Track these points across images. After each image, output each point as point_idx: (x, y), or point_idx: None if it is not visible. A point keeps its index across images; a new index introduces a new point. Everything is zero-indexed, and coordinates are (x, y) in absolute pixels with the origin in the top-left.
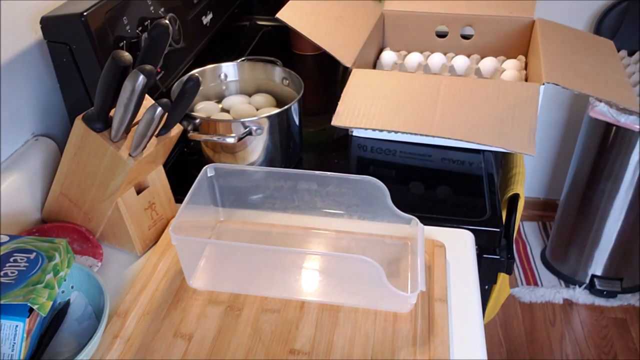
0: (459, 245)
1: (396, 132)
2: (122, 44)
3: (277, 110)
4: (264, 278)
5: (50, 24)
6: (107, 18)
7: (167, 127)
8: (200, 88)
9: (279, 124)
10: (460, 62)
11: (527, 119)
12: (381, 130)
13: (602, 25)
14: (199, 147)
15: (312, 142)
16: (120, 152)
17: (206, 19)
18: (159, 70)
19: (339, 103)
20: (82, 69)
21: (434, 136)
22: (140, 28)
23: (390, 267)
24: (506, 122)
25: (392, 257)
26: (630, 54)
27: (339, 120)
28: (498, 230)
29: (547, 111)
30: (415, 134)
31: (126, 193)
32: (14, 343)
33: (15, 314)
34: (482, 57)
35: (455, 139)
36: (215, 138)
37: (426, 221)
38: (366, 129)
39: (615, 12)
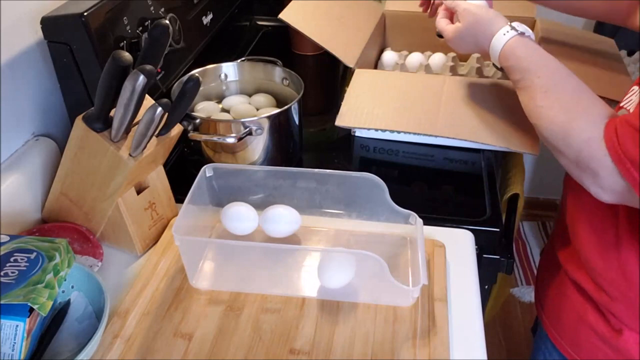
0: (459, 245)
1: (400, 132)
2: (122, 44)
3: (277, 110)
4: (266, 276)
5: (50, 24)
6: (107, 18)
7: (167, 127)
8: (201, 88)
9: (279, 124)
10: (461, 61)
11: None
12: (384, 131)
13: (603, 25)
14: (199, 147)
15: (312, 142)
16: (120, 152)
17: (206, 19)
18: (159, 70)
19: (342, 103)
20: (82, 69)
21: (437, 136)
22: (140, 28)
23: (389, 263)
24: (509, 121)
25: (391, 254)
26: (630, 54)
27: (342, 120)
28: (498, 230)
29: None
30: (420, 134)
31: (126, 193)
32: (15, 343)
33: (16, 314)
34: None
35: (459, 139)
36: (215, 138)
37: (426, 221)
38: (370, 129)
39: None
